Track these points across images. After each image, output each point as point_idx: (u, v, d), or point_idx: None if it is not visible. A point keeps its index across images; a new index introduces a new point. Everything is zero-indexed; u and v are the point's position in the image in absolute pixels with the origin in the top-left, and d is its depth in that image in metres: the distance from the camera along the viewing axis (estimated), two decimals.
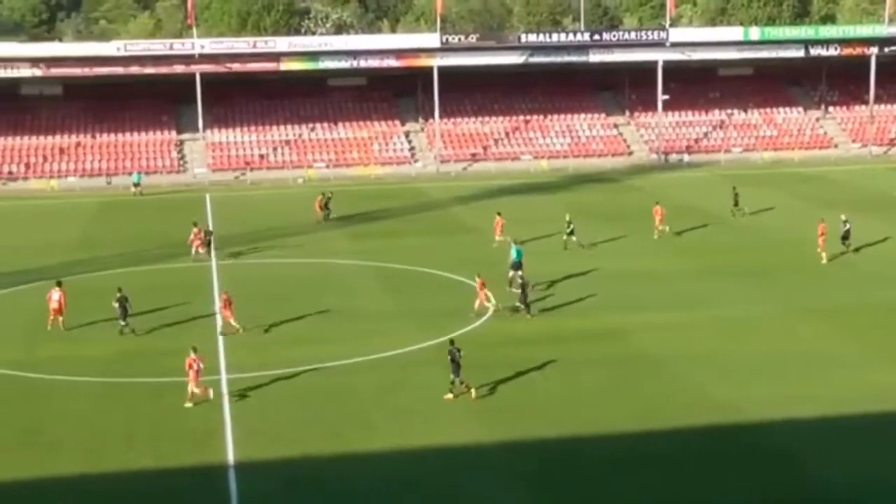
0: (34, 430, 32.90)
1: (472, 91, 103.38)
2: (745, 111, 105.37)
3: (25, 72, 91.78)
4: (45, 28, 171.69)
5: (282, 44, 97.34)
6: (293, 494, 28.38)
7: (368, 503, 27.97)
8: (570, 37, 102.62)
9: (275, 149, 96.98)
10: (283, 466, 30.07)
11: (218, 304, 44.87)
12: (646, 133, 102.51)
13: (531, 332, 42.43)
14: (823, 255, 53.15)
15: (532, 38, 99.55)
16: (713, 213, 68.78)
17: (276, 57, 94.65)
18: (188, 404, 34.63)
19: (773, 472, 29.07)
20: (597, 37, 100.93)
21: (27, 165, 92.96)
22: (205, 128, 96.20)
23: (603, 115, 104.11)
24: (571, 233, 58.69)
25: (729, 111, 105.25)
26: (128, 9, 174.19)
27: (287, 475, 29.51)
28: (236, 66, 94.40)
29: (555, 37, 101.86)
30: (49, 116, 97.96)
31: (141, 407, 34.75)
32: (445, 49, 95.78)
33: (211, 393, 35.00)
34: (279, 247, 60.95)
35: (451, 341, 35.93)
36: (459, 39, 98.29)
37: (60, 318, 43.86)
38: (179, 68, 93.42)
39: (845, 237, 54.72)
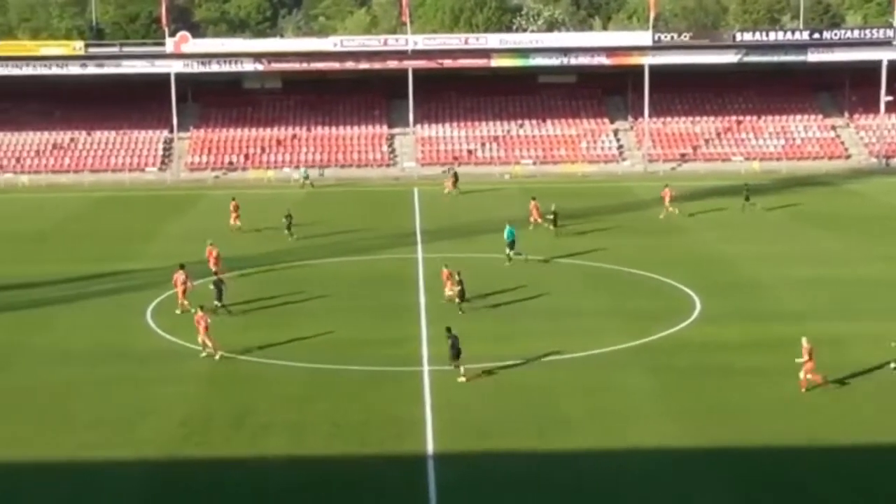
0: (246, 411, 34.13)
1: (683, 90, 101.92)
2: None
3: (248, 66, 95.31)
4: (268, 25, 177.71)
5: (493, 40, 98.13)
6: (490, 489, 28.58)
7: (564, 502, 28.00)
8: (788, 35, 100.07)
9: (483, 144, 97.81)
10: (482, 460, 30.32)
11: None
12: (866, 136, 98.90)
13: (738, 337, 41.57)
14: None
15: (747, 36, 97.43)
16: None
17: (486, 53, 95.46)
18: (203, 354, 39.46)
19: None
20: (816, 35, 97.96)
21: (247, 156, 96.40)
22: (415, 123, 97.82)
23: (820, 117, 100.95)
24: (555, 221, 62.47)
25: None
26: (345, 6, 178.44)
27: (485, 469, 29.74)
28: (448, 63, 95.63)
29: (772, 35, 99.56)
30: (268, 109, 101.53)
31: (347, 394, 35.62)
32: (657, 47, 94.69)
33: (218, 355, 39.30)
34: (486, 241, 61.47)
35: (448, 329, 37.09)
36: (672, 38, 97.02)
37: (184, 301, 45.64)
38: (393, 64, 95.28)
39: None
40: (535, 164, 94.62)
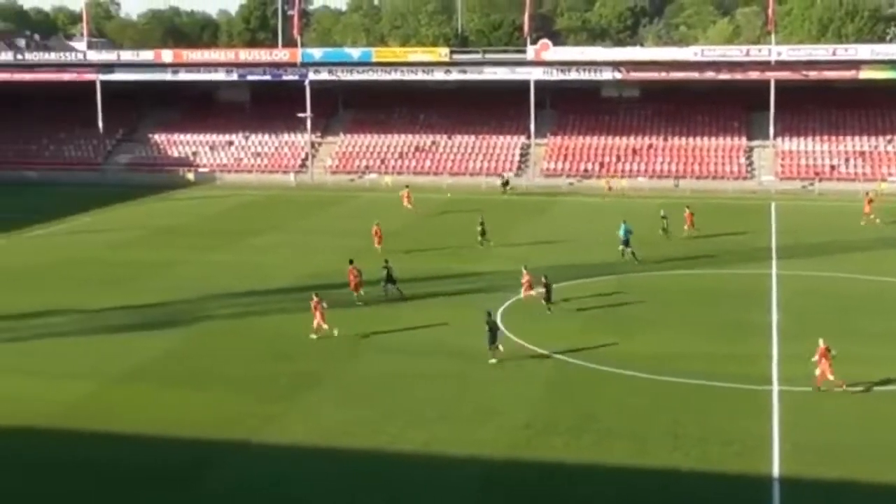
0: (588, 417, 34.20)
1: None
2: None
3: (607, 75, 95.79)
4: (628, 34, 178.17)
5: (864, 51, 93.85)
6: None
7: None
8: None
9: (847, 160, 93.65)
10: (832, 488, 28.95)
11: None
12: None
13: None
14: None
15: None
16: None
17: (855, 65, 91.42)
18: (313, 336, 42.77)
19: None
20: None
21: (601, 164, 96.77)
22: (775, 135, 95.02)
23: None
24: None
25: None
26: (708, 15, 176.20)
27: (835, 497, 28.40)
28: (812, 74, 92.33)
29: None
30: (625, 118, 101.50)
31: (689, 408, 34.99)
32: None
33: (336, 331, 42.55)
34: (845, 261, 58.94)
35: (489, 313, 40.93)
36: None
37: (356, 293, 49.08)
38: (754, 75, 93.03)
39: None
40: None
